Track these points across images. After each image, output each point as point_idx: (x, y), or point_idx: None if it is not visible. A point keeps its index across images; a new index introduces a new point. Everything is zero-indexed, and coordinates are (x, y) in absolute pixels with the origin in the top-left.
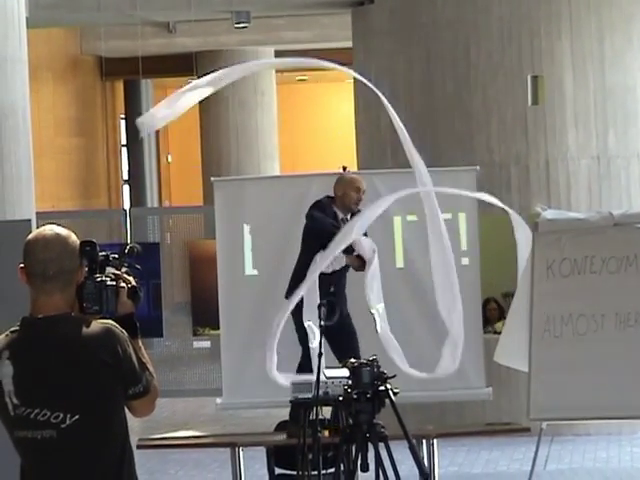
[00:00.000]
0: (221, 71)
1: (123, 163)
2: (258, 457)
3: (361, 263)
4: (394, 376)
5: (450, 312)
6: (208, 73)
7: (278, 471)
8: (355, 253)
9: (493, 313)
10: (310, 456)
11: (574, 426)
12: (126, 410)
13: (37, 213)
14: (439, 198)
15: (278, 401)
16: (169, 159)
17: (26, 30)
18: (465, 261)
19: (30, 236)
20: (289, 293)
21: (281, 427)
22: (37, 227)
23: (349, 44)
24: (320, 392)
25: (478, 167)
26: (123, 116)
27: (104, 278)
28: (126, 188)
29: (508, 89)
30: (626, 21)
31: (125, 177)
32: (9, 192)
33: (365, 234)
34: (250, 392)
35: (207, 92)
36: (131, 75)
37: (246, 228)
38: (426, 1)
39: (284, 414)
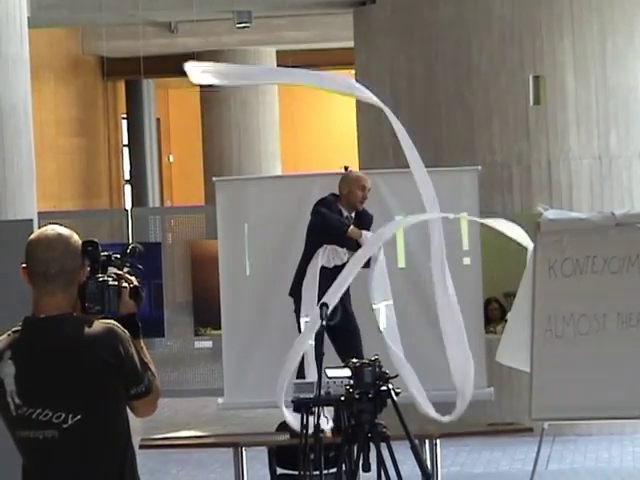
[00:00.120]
0: (257, 68)
1: (125, 163)
2: (260, 457)
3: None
4: (396, 376)
5: (458, 367)
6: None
7: (280, 471)
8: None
9: (495, 313)
10: (312, 456)
11: (576, 426)
12: (128, 410)
13: (39, 213)
14: (441, 200)
15: None
16: (171, 159)
17: (28, 30)
18: (467, 261)
19: (32, 236)
20: (293, 290)
21: (283, 427)
22: (39, 227)
23: (351, 44)
24: (322, 392)
25: (480, 167)
26: (125, 116)
27: (106, 278)
28: (128, 188)
29: (510, 89)
30: (628, 21)
31: (127, 177)
32: (11, 192)
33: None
34: (252, 392)
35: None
36: (133, 75)
37: (248, 228)
38: (428, 1)
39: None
